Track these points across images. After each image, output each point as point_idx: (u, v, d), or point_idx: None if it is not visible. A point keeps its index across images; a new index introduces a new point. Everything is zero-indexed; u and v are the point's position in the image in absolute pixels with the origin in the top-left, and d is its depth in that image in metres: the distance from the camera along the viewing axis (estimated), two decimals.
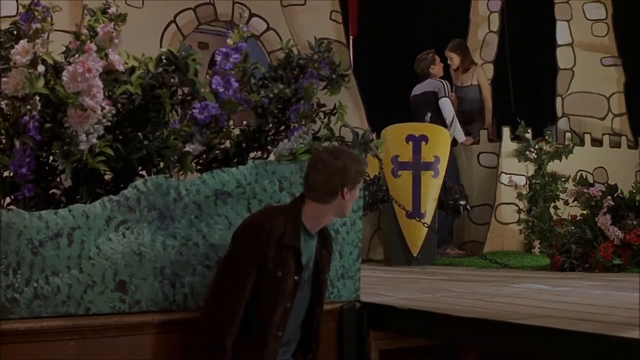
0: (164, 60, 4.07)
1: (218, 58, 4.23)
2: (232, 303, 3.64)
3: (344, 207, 3.78)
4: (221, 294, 3.69)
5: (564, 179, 8.44)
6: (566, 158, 8.61)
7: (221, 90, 4.20)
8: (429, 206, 7.66)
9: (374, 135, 8.05)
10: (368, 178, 7.59)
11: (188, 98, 4.11)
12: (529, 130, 8.57)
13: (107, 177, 4.18)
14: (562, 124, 9.53)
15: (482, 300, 4.54)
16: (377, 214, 8.31)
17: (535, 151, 8.52)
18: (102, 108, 3.81)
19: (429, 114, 7.97)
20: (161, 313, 3.90)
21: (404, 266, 7.46)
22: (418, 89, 8.86)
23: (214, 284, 3.77)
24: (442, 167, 7.76)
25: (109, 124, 3.83)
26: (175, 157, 4.14)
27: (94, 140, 3.80)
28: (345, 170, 3.69)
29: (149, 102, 4.04)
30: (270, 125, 4.44)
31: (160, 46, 7.23)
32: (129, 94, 4.02)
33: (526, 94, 10.25)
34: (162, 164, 4.17)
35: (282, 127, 4.46)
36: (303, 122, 4.30)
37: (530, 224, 8.38)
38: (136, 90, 3.95)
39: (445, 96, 8.55)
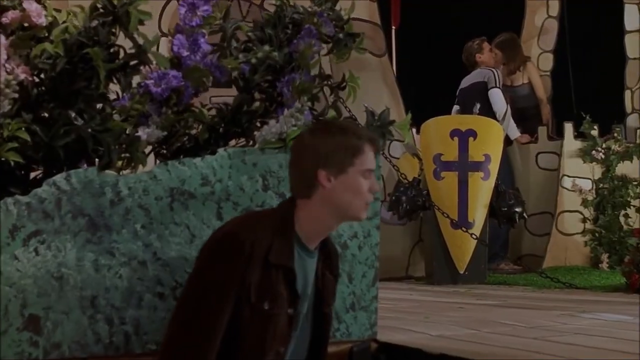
0: (101, 10, 2.99)
1: (181, 11, 3.17)
2: (200, 345, 2.62)
3: (341, 200, 2.68)
4: (185, 333, 2.66)
5: (635, 183, 7.61)
6: (638, 159, 7.77)
7: (185, 54, 3.15)
8: (478, 214, 6.83)
9: (414, 132, 7.24)
10: (406, 181, 6.81)
11: (132, 62, 3.03)
12: (595, 127, 7.74)
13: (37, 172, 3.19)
14: (631, 120, 8.69)
15: (543, 339, 3.48)
16: (417, 224, 7.46)
17: (602, 151, 7.66)
18: (9, 74, 2.77)
19: (478, 105, 7.13)
20: None
21: (449, 285, 6.64)
22: (466, 82, 8.02)
23: (175, 319, 2.73)
24: (494, 167, 6.91)
25: (16, 95, 2.79)
26: (124, 145, 3.09)
27: None
28: (318, 147, 2.66)
29: (77, 67, 2.97)
30: (257, 103, 3.40)
31: (159, 28, 6.20)
32: (54, 57, 2.96)
33: (590, 86, 9.41)
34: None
35: (274, 106, 3.43)
36: (300, 99, 3.24)
37: (597, 234, 7.54)
38: (56, 49, 2.89)
39: (496, 86, 7.66)
